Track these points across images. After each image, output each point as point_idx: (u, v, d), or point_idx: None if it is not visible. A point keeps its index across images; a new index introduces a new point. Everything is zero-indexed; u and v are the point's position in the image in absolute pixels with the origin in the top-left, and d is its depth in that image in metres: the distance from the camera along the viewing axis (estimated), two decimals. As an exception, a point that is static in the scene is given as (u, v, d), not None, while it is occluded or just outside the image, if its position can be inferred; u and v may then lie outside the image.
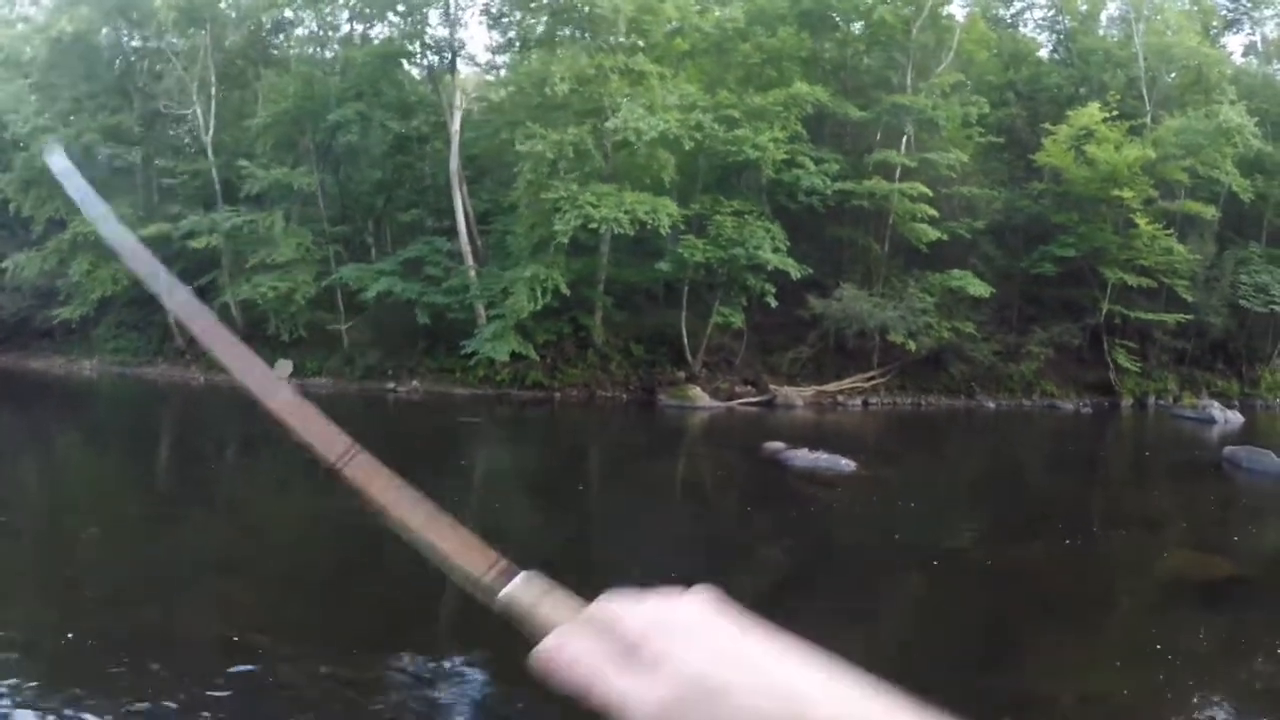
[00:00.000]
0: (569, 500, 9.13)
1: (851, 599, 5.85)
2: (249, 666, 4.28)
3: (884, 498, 9.54)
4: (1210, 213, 21.41)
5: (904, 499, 9.65)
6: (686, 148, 18.45)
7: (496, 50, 21.94)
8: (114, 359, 24.32)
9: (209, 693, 3.97)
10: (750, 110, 19.38)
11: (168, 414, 18.26)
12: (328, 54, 23.84)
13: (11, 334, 28.05)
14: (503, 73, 23.08)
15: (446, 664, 4.53)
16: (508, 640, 0.52)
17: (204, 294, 23.24)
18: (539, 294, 17.75)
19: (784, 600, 5.88)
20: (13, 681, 3.99)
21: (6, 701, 3.78)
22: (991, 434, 19.67)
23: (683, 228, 18.63)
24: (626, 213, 17.36)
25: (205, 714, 3.76)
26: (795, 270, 18.79)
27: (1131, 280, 20.89)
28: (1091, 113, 21.07)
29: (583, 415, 18.26)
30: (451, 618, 5.35)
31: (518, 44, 20.97)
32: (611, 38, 19.39)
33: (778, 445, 11.82)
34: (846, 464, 10.56)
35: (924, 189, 20.19)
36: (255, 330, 20.63)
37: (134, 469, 11.56)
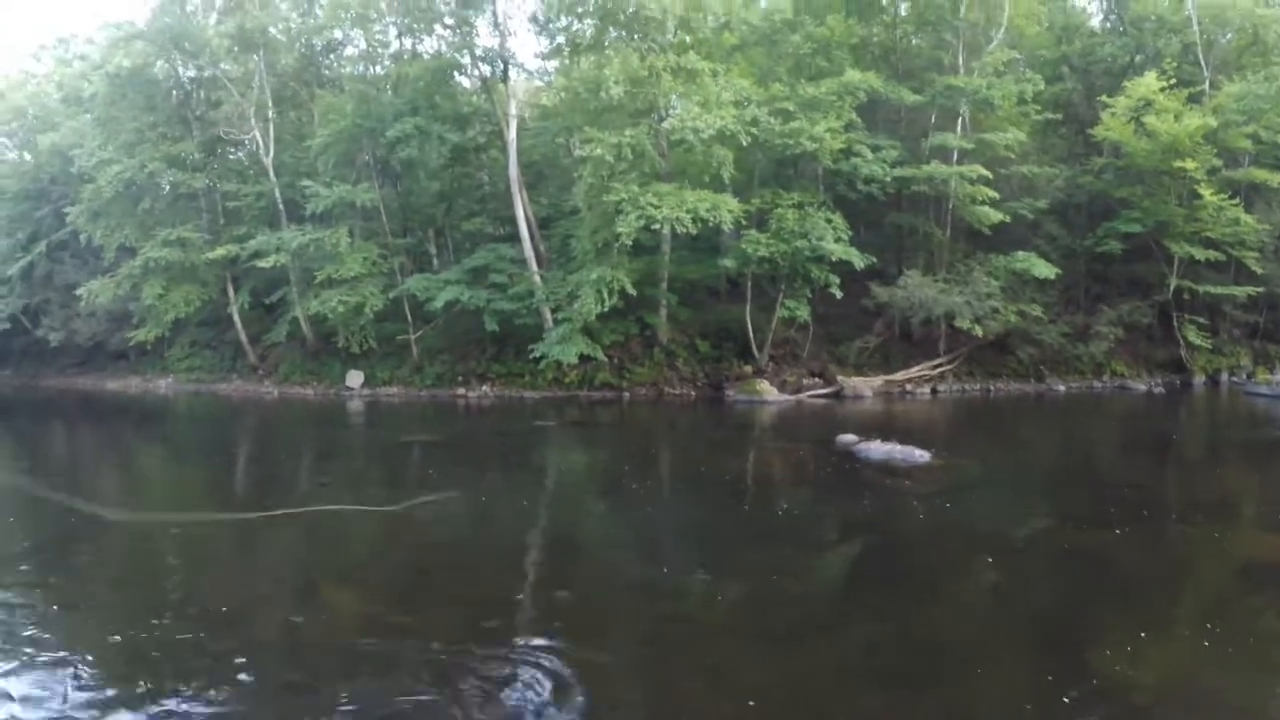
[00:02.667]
0: (644, 497, 9.20)
1: (931, 587, 5.90)
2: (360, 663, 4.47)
3: (959, 487, 9.48)
4: (1277, 180, 20.74)
5: (979, 487, 9.61)
6: (744, 143, 18.41)
7: (546, 56, 22.05)
8: (188, 377, 25.10)
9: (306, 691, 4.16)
10: (804, 101, 19.26)
11: (251, 426, 18.72)
12: (379, 71, 24.28)
13: (88, 357, 29.20)
14: (553, 79, 23.21)
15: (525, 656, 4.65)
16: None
17: (274, 311, 24.00)
18: (605, 295, 17.88)
19: (866, 591, 5.91)
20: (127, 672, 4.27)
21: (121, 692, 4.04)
22: (1063, 418, 19.29)
23: (744, 223, 18.61)
24: (688, 211, 17.39)
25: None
26: (858, 260, 18.65)
27: (1199, 254, 20.35)
28: (1149, 82, 20.55)
29: (652, 413, 18.33)
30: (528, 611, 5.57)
31: (567, 49, 21.09)
32: (661, 37, 19.44)
33: (850, 438, 11.78)
34: (921, 455, 10.50)
35: (983, 170, 19.86)
36: (326, 344, 21.14)
37: (229, 475, 11.97)
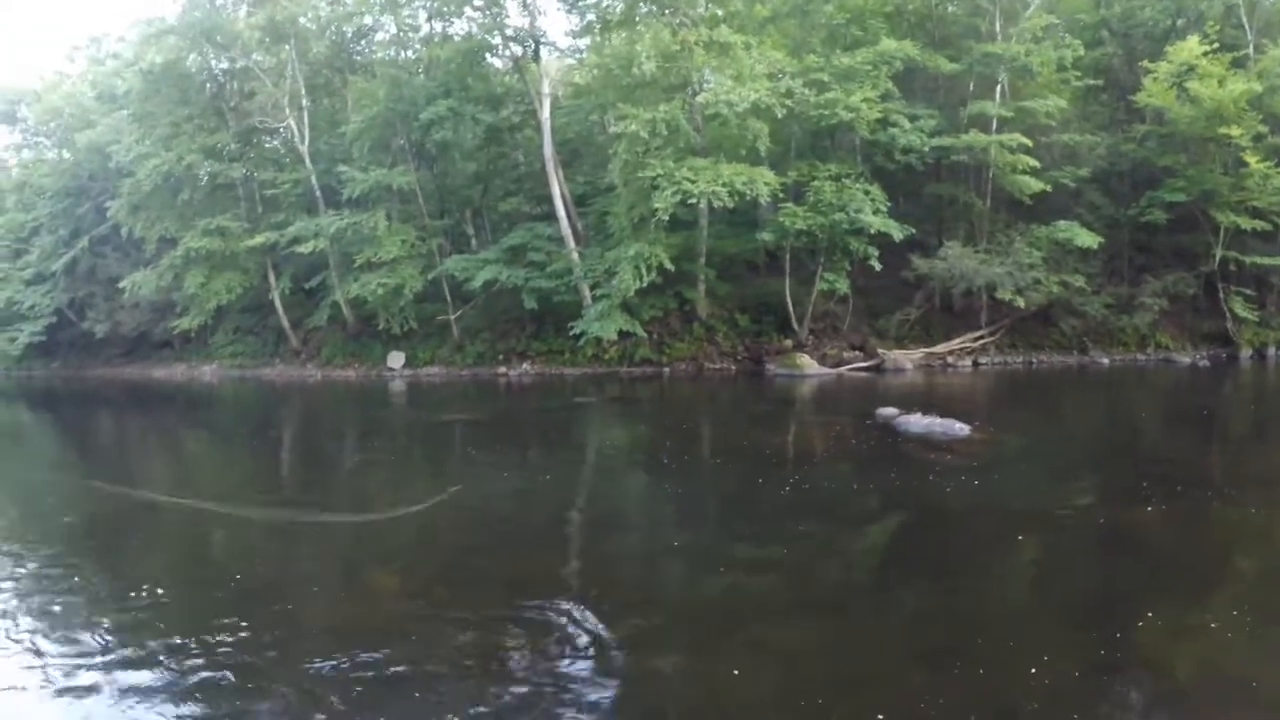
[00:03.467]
0: (684, 472, 9.19)
1: (970, 563, 5.86)
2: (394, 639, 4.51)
3: (1000, 461, 9.35)
4: (1326, 146, 20.10)
5: (1020, 462, 9.47)
6: (779, 116, 18.25)
7: (577, 34, 22.02)
8: (232, 363, 25.57)
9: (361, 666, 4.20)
10: (839, 72, 19.04)
11: (297, 408, 19.04)
12: (410, 55, 24.42)
13: (133, 347, 29.89)
14: (585, 56, 23.16)
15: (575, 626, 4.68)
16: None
17: (314, 295, 24.33)
18: (643, 271, 17.89)
19: (906, 565, 5.84)
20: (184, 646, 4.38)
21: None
22: (1106, 391, 18.97)
23: (781, 195, 18.47)
24: (724, 185, 17.31)
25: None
26: (897, 231, 18.43)
27: (1245, 223, 19.76)
28: (1191, 47, 19.95)
29: (692, 388, 18.34)
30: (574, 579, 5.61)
31: (598, 26, 21.05)
32: (692, 11, 19.30)
33: (890, 411, 11.67)
34: (961, 428, 10.33)
35: (1023, 139, 19.49)
36: (367, 326, 21.39)
37: (276, 457, 12.19)
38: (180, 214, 24.77)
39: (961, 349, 20.10)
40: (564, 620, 4.65)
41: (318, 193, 23.32)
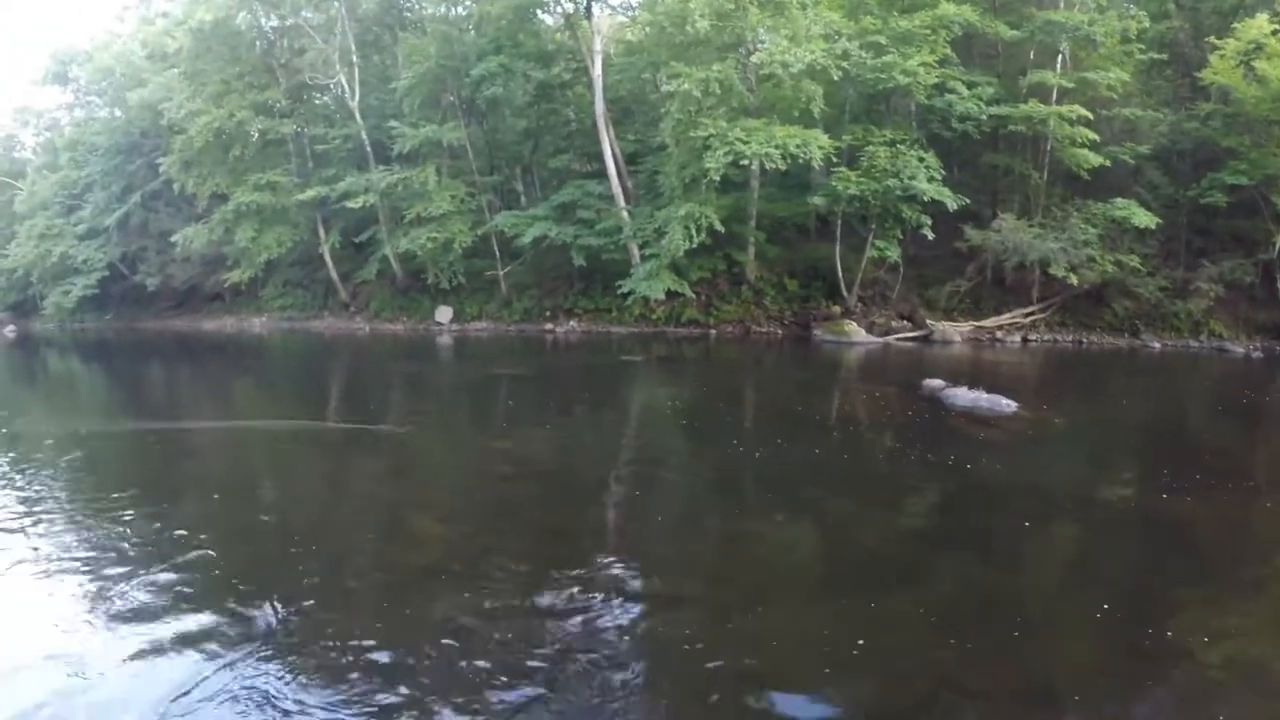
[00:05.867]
0: (727, 435, 9.17)
1: (1009, 544, 5.77)
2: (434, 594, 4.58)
3: (1044, 440, 9.21)
4: (1398, 133, 19.32)
5: (1064, 443, 9.30)
6: (834, 78, 18.01)
7: (630, -8, 21.91)
8: (282, 315, 26.05)
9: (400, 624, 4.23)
10: (896, 35, 18.71)
11: (345, 359, 19.37)
12: (460, 11, 24.43)
13: (184, 299, 30.60)
14: (637, 13, 23.02)
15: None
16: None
17: (364, 250, 24.67)
18: (693, 232, 17.85)
19: (944, 544, 5.77)
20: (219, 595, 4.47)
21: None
22: (1156, 377, 18.57)
23: (834, 160, 18.28)
24: (777, 147, 17.15)
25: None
26: (951, 201, 18.13)
27: (1308, 211, 19.15)
28: (1260, 24, 19.21)
29: (739, 351, 18.33)
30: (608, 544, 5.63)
31: (651, -16, 20.86)
32: (747, -31, 19.05)
33: (937, 383, 11.56)
34: (1007, 404, 10.19)
35: (1083, 111, 18.99)
36: (415, 280, 21.61)
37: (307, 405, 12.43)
38: (231, 169, 25.14)
39: (1011, 324, 19.82)
40: (597, 577, 4.70)
41: (368, 148, 23.55)
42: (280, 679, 3.57)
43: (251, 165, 25.12)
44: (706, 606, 4.44)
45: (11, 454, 8.04)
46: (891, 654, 3.95)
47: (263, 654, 3.81)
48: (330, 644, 3.90)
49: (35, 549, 5.11)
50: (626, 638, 4.04)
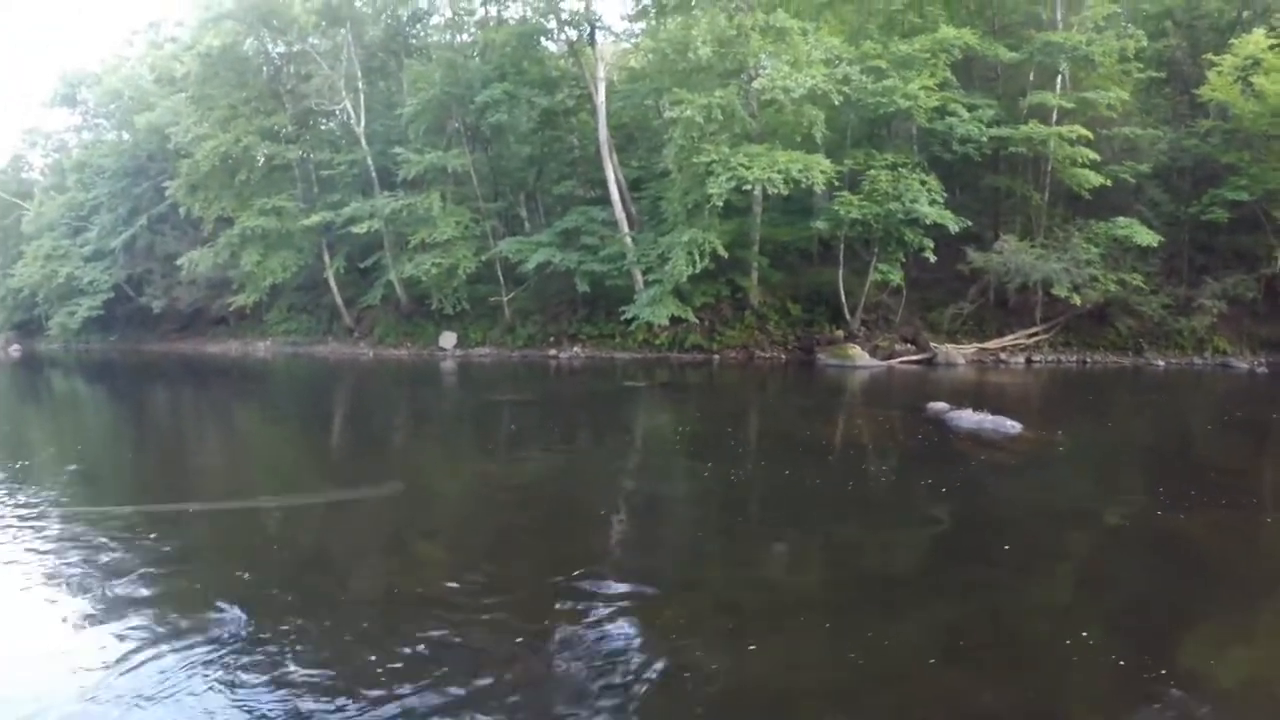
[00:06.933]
0: (731, 460, 9.17)
1: (1015, 566, 5.78)
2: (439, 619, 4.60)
3: (1049, 461, 9.22)
4: (1398, 147, 19.37)
5: (1069, 463, 9.29)
6: (835, 103, 18.14)
7: (632, 18, 22.07)
8: (286, 340, 26.17)
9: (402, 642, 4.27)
10: (896, 59, 18.85)
11: (349, 384, 19.45)
12: (465, 38, 24.67)
13: (189, 322, 30.78)
14: (640, 40, 23.23)
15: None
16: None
17: (368, 275, 24.79)
18: (696, 257, 17.94)
19: (949, 566, 5.78)
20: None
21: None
22: (1160, 395, 18.57)
23: (837, 184, 18.38)
24: (779, 172, 17.26)
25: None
26: (953, 223, 18.23)
27: (1309, 226, 19.21)
28: (1257, 40, 19.34)
29: (742, 376, 18.37)
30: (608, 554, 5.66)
31: (653, 10, 21.07)
32: (748, -4, 19.23)
33: (941, 405, 11.58)
34: (1012, 426, 10.21)
35: (1083, 131, 19.10)
36: (419, 306, 21.72)
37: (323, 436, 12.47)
38: (237, 194, 25.35)
39: (1015, 345, 19.86)
40: (603, 602, 4.72)
41: (373, 174, 23.73)
42: (272, 696, 3.65)
43: (257, 190, 25.34)
44: (714, 631, 4.47)
45: None
46: (896, 675, 3.97)
47: (250, 661, 3.89)
48: (320, 663, 3.97)
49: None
50: (633, 662, 4.05)
